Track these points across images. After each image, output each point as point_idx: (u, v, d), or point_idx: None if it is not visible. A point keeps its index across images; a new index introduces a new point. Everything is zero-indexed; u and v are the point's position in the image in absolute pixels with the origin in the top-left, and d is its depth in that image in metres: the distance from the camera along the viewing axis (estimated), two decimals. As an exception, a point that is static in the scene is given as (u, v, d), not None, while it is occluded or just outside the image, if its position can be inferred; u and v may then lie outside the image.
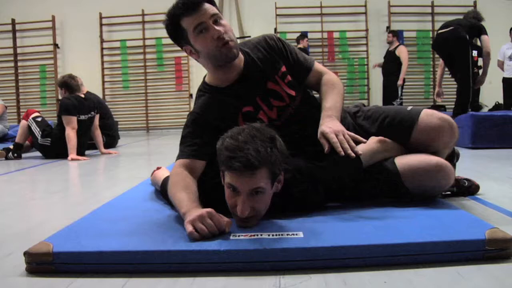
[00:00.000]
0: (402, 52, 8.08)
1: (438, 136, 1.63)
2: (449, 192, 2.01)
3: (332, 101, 1.65)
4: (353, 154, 1.45)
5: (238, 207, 1.34)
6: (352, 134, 1.52)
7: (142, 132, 9.94)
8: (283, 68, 1.73)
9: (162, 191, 1.84)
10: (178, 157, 1.64)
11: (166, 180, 1.84)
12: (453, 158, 1.79)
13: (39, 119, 4.82)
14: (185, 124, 1.69)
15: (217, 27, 1.58)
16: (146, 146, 6.68)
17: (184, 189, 1.48)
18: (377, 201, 1.62)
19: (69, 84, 4.76)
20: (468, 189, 2.04)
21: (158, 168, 2.16)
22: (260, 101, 1.70)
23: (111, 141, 5.78)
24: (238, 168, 1.29)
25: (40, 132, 4.73)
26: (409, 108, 1.73)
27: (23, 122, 4.83)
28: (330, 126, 1.53)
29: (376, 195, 1.63)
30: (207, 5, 1.60)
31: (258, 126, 1.38)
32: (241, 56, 1.70)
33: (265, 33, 1.82)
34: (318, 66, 1.81)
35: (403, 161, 1.61)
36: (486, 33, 5.63)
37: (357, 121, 1.80)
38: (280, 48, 1.76)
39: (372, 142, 1.66)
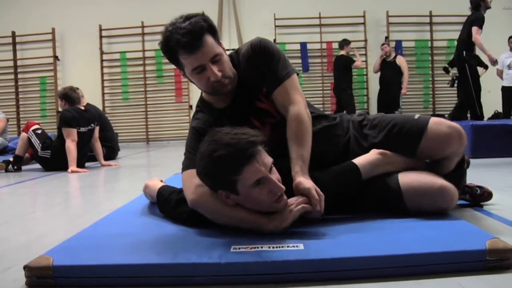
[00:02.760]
0: (403, 61, 8.23)
1: (447, 145, 1.60)
2: (465, 202, 1.98)
3: (306, 152, 1.54)
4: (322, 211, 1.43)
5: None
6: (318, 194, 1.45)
7: (142, 143, 9.94)
8: (264, 89, 1.69)
9: (158, 202, 1.82)
10: (187, 167, 1.59)
11: (162, 190, 1.83)
12: (463, 164, 1.74)
13: (39, 131, 4.81)
14: (188, 137, 1.70)
15: (215, 68, 1.56)
16: (146, 157, 6.68)
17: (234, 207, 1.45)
18: (377, 212, 1.61)
19: (69, 96, 4.77)
20: (480, 197, 2.00)
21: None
22: (254, 120, 1.71)
23: (111, 153, 5.78)
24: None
25: (40, 145, 4.72)
26: (417, 116, 1.69)
27: (23, 134, 4.83)
28: (307, 181, 1.46)
29: (374, 209, 1.61)
30: (209, 42, 1.54)
31: None
32: (235, 74, 1.67)
33: (254, 39, 1.72)
34: (289, 87, 1.65)
35: (406, 180, 1.57)
36: (477, 25, 5.54)
37: (363, 130, 1.76)
38: (260, 60, 1.67)
39: (373, 154, 1.64)
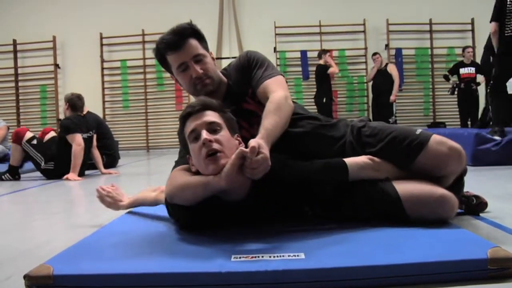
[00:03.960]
0: (393, 69, 8.41)
1: (444, 165, 1.60)
2: (459, 210, 1.97)
3: (269, 124, 1.56)
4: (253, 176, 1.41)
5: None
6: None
7: (142, 151, 9.97)
8: (250, 90, 1.82)
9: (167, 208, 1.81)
10: (174, 167, 1.68)
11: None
12: (461, 179, 1.72)
13: (34, 142, 4.70)
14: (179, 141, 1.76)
15: (197, 67, 1.74)
16: (147, 165, 6.69)
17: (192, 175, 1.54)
18: (376, 220, 1.60)
19: (74, 103, 4.83)
20: (476, 207, 1.99)
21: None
22: (242, 121, 1.77)
23: (111, 161, 5.78)
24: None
25: (43, 158, 4.65)
26: (418, 131, 1.67)
27: (16, 146, 4.66)
28: (263, 147, 1.42)
29: (374, 217, 1.60)
30: (192, 43, 1.75)
31: None
32: (224, 81, 1.85)
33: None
34: (271, 82, 1.76)
35: (405, 188, 1.57)
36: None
37: (361, 137, 1.75)
38: (246, 66, 1.83)
39: (362, 158, 1.66)
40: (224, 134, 1.52)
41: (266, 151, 1.38)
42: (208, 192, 1.46)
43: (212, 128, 1.52)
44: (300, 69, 9.95)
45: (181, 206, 1.56)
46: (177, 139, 1.74)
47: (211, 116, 1.54)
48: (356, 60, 10.10)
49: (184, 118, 1.58)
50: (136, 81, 10.15)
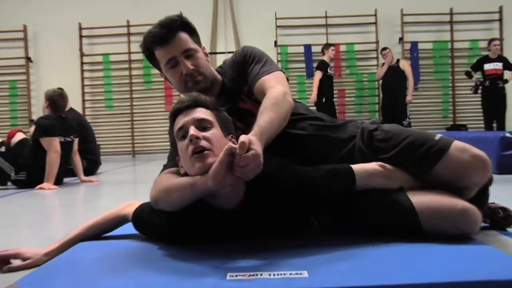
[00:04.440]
0: (406, 65, 8.39)
1: (466, 175, 1.59)
2: (483, 224, 1.93)
3: (263, 121, 1.55)
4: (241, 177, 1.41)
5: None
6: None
7: (127, 156, 9.96)
8: (246, 87, 1.86)
9: (135, 222, 1.77)
10: (162, 171, 1.72)
11: (140, 209, 1.78)
12: (485, 190, 1.70)
13: (3, 149, 4.62)
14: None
15: (188, 63, 1.78)
16: (132, 172, 6.68)
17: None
18: (387, 234, 1.59)
19: (56, 103, 4.68)
20: (503, 220, 1.96)
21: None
22: (237, 122, 1.80)
23: (92, 166, 5.74)
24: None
25: (13, 169, 4.57)
26: (438, 136, 1.67)
27: None
28: (256, 144, 1.40)
29: (386, 231, 1.60)
30: (182, 36, 1.80)
31: None
32: (219, 79, 1.92)
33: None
34: (269, 78, 1.79)
35: (420, 199, 1.57)
36: None
37: (373, 141, 1.75)
38: (241, 62, 1.88)
39: (372, 164, 1.66)
40: (214, 132, 1.54)
41: (257, 148, 1.38)
42: (196, 194, 1.47)
43: (202, 125, 1.54)
44: (303, 65, 9.98)
45: (167, 214, 1.56)
46: (167, 143, 1.75)
47: (201, 113, 1.57)
48: (367, 56, 10.11)
49: (173, 115, 1.61)
50: (120, 77, 10.15)
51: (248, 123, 1.79)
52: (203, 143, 1.48)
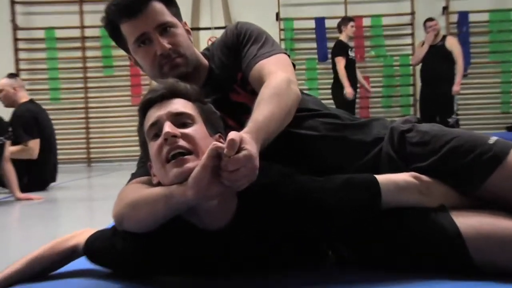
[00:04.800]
0: (455, 44, 8.00)
1: None
2: None
3: (260, 115, 1.56)
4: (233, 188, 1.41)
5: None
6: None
7: (80, 166, 9.93)
8: (240, 75, 1.89)
9: (89, 251, 1.77)
10: (129, 181, 1.73)
11: (96, 235, 1.79)
12: None
13: None
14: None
15: (163, 40, 1.79)
16: (87, 187, 6.69)
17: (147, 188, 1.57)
18: (424, 268, 1.58)
19: None
20: None
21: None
22: (228, 118, 1.83)
23: (41, 181, 5.71)
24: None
25: None
26: (492, 140, 1.67)
27: None
28: (249, 143, 1.40)
29: (420, 264, 1.60)
30: (156, 7, 1.81)
31: None
32: (205, 64, 1.94)
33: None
34: (268, 63, 1.81)
35: (469, 222, 1.56)
36: None
37: (405, 145, 1.77)
38: (234, 43, 1.91)
39: (404, 175, 1.67)
40: (197, 129, 1.54)
41: (251, 148, 1.36)
42: (171, 209, 1.46)
43: (181, 120, 1.54)
44: (314, 45, 9.98)
45: (133, 236, 1.56)
46: (135, 148, 1.76)
47: (180, 105, 1.58)
48: (398, 32, 10.14)
49: (144, 109, 1.61)
50: (70, 60, 10.11)
51: (241, 120, 1.75)
52: (182, 143, 1.48)
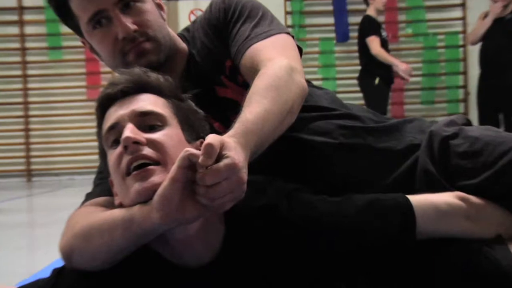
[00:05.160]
0: None
1: None
2: None
3: (251, 113, 1.55)
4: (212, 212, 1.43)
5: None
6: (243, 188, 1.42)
7: (17, 181, 10.00)
8: (228, 62, 1.90)
9: None
10: (83, 203, 1.75)
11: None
12: None
13: None
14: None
15: (126, 19, 1.78)
16: (25, 210, 6.72)
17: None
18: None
19: None
20: None
21: None
22: (214, 120, 1.87)
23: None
24: None
25: None
26: None
27: None
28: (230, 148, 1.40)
29: None
30: None
31: None
32: (183, 50, 1.95)
33: None
34: (264, 46, 1.81)
35: None
36: None
37: (449, 156, 1.75)
38: (221, 21, 1.91)
39: (447, 196, 1.67)
40: (168, 133, 1.54)
41: (236, 155, 1.34)
42: (133, 238, 1.46)
43: (147, 122, 1.54)
44: (330, 21, 10.07)
45: (86, 276, 1.55)
46: (88, 156, 1.75)
47: (147, 102, 1.57)
48: (444, 2, 10.24)
49: (102, 107, 1.61)
50: (3, 39, 10.23)
51: (228, 120, 1.76)
52: (147, 151, 1.47)
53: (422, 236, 1.59)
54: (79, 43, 2.00)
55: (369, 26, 8.13)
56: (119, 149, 1.49)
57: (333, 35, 10.05)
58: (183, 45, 1.95)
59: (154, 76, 1.62)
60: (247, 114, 1.51)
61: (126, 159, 1.46)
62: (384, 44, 8.15)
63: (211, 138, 1.31)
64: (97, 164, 1.78)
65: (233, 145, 1.35)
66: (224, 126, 1.82)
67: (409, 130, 1.86)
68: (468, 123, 1.86)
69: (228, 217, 1.44)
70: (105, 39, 1.81)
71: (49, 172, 10.07)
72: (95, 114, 1.63)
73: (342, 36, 9.93)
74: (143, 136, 1.47)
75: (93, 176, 1.89)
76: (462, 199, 1.64)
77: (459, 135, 1.77)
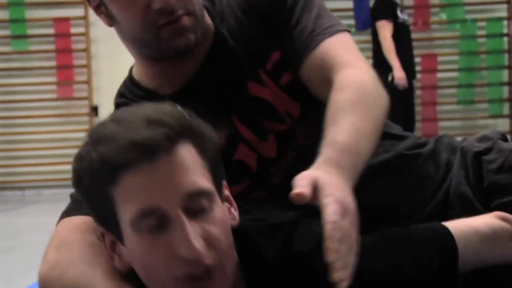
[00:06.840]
0: None
1: None
2: None
3: (343, 133, 1.56)
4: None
5: (179, 244, 1.41)
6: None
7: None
8: (276, 55, 1.89)
9: None
10: (66, 214, 1.76)
11: None
12: None
13: None
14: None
15: None
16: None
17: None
18: None
19: None
20: None
21: None
22: (239, 123, 1.87)
23: None
24: (132, 156, 1.40)
25: None
26: None
27: None
28: (333, 185, 1.40)
29: None
30: None
31: None
32: (210, 27, 1.90)
33: None
34: (333, 46, 1.82)
35: None
36: None
37: (483, 174, 1.79)
38: (274, 2, 1.89)
39: (489, 218, 1.69)
40: (219, 218, 1.48)
41: (342, 193, 1.35)
42: None
43: (195, 206, 1.45)
44: (348, 5, 10.26)
45: None
46: (64, 166, 1.70)
47: (190, 170, 1.46)
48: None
49: (114, 169, 1.44)
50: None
51: (262, 129, 1.85)
52: (210, 259, 1.42)
53: (465, 267, 1.61)
54: (49, 31, 1.93)
55: (381, 8, 8.22)
56: (170, 247, 1.42)
57: (352, 21, 10.14)
58: (209, 20, 1.90)
59: (169, 109, 1.49)
60: (336, 134, 1.53)
61: (184, 269, 1.42)
62: (402, 30, 8.19)
63: (303, 179, 1.32)
64: (67, 176, 1.73)
65: (337, 182, 1.37)
66: (252, 132, 1.85)
67: (444, 152, 1.93)
68: (504, 138, 1.88)
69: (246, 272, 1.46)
70: (131, 4, 1.74)
71: (11, 186, 10.18)
72: (88, 143, 1.48)
73: (362, 23, 10.01)
74: (201, 239, 1.41)
75: (64, 191, 1.85)
76: (504, 218, 1.66)
77: (492, 150, 1.82)
